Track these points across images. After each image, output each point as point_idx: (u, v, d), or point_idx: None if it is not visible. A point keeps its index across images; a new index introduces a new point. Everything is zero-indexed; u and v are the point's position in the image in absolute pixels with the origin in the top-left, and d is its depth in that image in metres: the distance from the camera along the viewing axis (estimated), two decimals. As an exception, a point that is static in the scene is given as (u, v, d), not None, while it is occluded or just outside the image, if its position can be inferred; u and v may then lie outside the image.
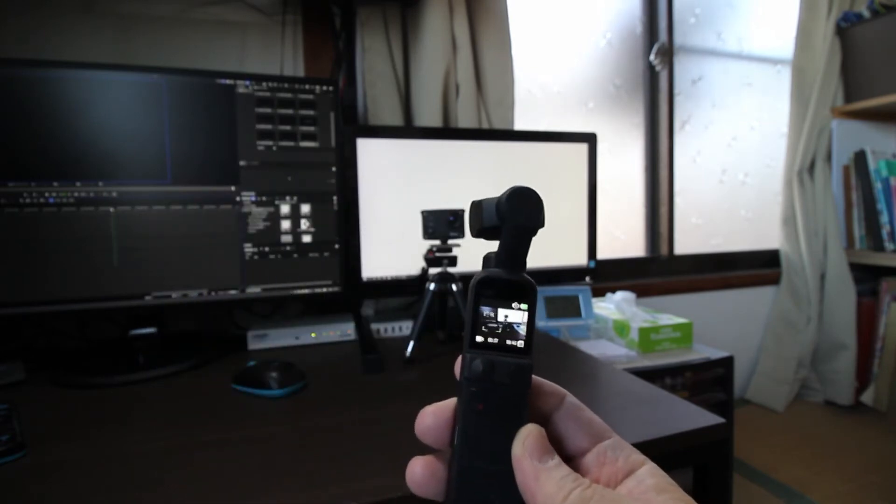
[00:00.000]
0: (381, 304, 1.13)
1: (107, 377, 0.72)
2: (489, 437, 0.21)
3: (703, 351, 1.11)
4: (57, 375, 0.73)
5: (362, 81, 1.12)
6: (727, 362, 1.10)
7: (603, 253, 1.52)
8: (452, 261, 0.84)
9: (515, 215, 0.21)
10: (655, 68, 1.61)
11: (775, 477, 1.22)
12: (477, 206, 0.23)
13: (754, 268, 1.76)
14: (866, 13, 1.58)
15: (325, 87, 0.88)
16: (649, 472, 0.21)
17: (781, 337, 1.65)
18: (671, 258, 1.64)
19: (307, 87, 0.87)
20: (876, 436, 1.42)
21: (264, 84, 0.85)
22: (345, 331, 0.93)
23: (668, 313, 1.21)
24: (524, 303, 0.22)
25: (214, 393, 0.68)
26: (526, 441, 0.20)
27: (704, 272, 1.68)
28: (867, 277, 1.68)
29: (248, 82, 0.84)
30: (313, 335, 0.91)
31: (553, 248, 1.07)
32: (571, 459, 0.22)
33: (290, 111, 0.86)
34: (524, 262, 0.22)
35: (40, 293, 0.75)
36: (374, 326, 0.95)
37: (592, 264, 1.10)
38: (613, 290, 1.31)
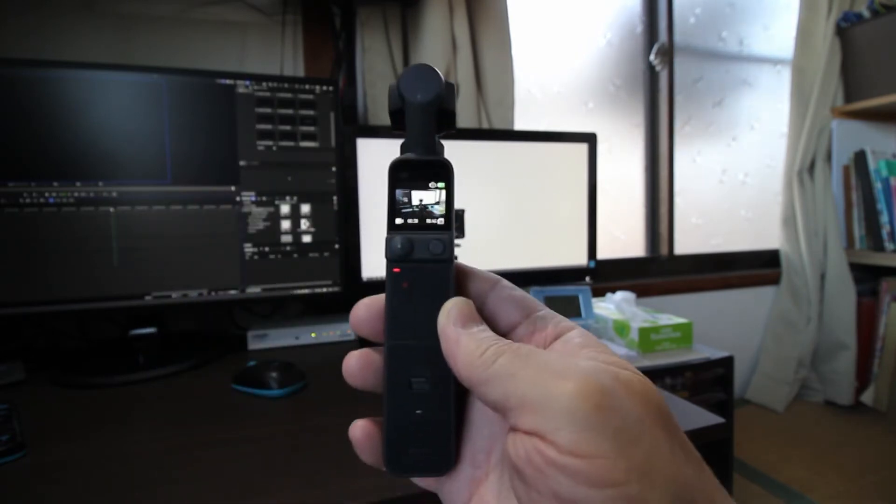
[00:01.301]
0: (381, 304, 1.13)
1: (107, 377, 0.72)
2: (416, 314, 0.21)
3: (703, 351, 1.11)
4: (57, 375, 0.73)
5: (362, 81, 1.12)
6: (727, 362, 1.10)
7: (603, 253, 1.52)
8: (452, 261, 0.84)
9: (411, 93, 0.21)
10: (655, 68, 1.61)
11: (775, 477, 1.22)
12: (389, 90, 0.23)
13: (754, 268, 1.76)
14: (866, 13, 1.58)
15: (325, 87, 0.88)
16: (577, 334, 0.21)
17: (781, 337, 1.65)
18: (671, 258, 1.64)
19: (307, 87, 0.87)
20: (876, 436, 1.42)
21: (264, 84, 0.85)
22: (345, 331, 0.93)
23: (668, 313, 1.21)
24: (440, 181, 0.22)
25: (214, 393, 0.68)
26: (451, 311, 0.20)
27: (704, 272, 1.68)
28: (867, 277, 1.68)
29: (248, 82, 0.84)
30: (313, 335, 0.91)
31: (553, 248, 1.07)
32: (504, 334, 0.22)
33: (290, 111, 0.86)
34: (432, 142, 0.22)
35: (40, 293, 0.75)
36: (374, 326, 0.95)
37: (592, 264, 1.11)
38: (613, 290, 1.31)
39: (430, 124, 0.22)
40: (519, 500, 0.18)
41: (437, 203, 0.22)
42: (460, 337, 0.20)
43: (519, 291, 0.23)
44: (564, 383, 0.16)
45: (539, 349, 0.19)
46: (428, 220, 0.22)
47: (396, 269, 0.21)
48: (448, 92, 0.22)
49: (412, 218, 0.22)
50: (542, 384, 0.17)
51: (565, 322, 0.22)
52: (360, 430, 0.22)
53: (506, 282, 0.23)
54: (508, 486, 0.20)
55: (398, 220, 0.22)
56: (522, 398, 0.17)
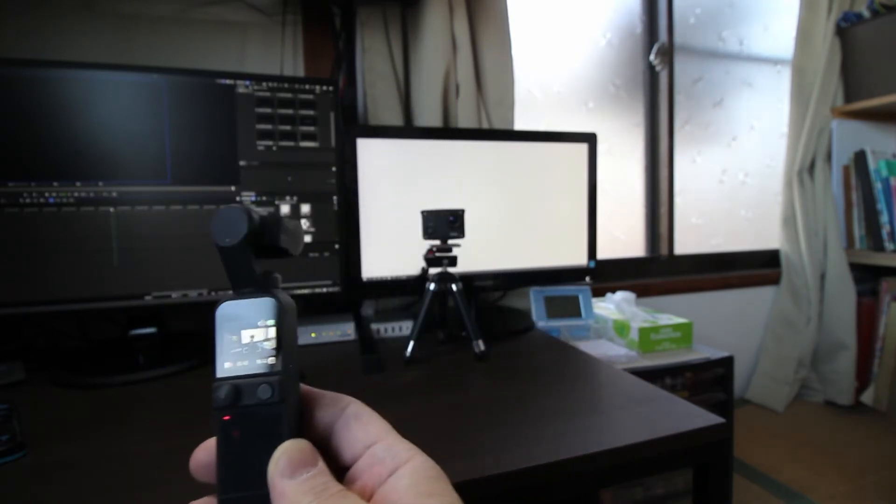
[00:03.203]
0: (381, 304, 1.13)
1: (107, 377, 0.72)
2: (250, 463, 0.20)
3: (703, 351, 1.11)
4: (57, 375, 0.73)
5: (362, 81, 1.12)
6: (727, 362, 1.10)
7: (603, 253, 1.52)
8: (452, 261, 0.84)
9: (220, 238, 0.21)
10: (655, 68, 1.61)
11: (775, 477, 1.22)
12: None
13: (754, 268, 1.76)
14: (866, 13, 1.58)
15: (325, 87, 0.88)
16: (408, 473, 0.20)
17: (781, 337, 1.65)
18: (671, 258, 1.64)
19: (307, 87, 0.87)
20: (876, 436, 1.42)
21: (264, 84, 0.85)
22: (345, 331, 0.93)
23: (668, 313, 1.21)
24: (268, 319, 0.22)
25: (214, 393, 0.68)
26: (279, 460, 0.20)
27: (704, 272, 1.68)
28: (867, 277, 1.68)
29: (248, 82, 0.84)
30: (313, 335, 0.91)
31: (553, 248, 1.07)
32: (348, 466, 0.22)
33: (290, 111, 0.86)
34: (251, 278, 0.22)
35: (40, 293, 0.75)
36: (374, 326, 0.95)
37: (592, 264, 1.10)
38: (613, 290, 1.31)
39: (242, 264, 0.22)
40: None
41: (267, 340, 0.21)
42: (285, 488, 0.19)
43: (366, 415, 0.22)
44: None
45: (355, 499, 0.19)
46: (258, 361, 0.21)
47: (226, 418, 0.21)
48: (267, 228, 0.22)
49: (241, 360, 0.21)
50: None
51: (404, 454, 0.21)
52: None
53: (357, 405, 0.23)
54: None
55: (227, 365, 0.21)
56: None
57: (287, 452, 0.20)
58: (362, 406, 0.23)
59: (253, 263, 0.22)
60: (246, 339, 0.22)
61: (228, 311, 0.22)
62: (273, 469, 0.20)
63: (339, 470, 0.22)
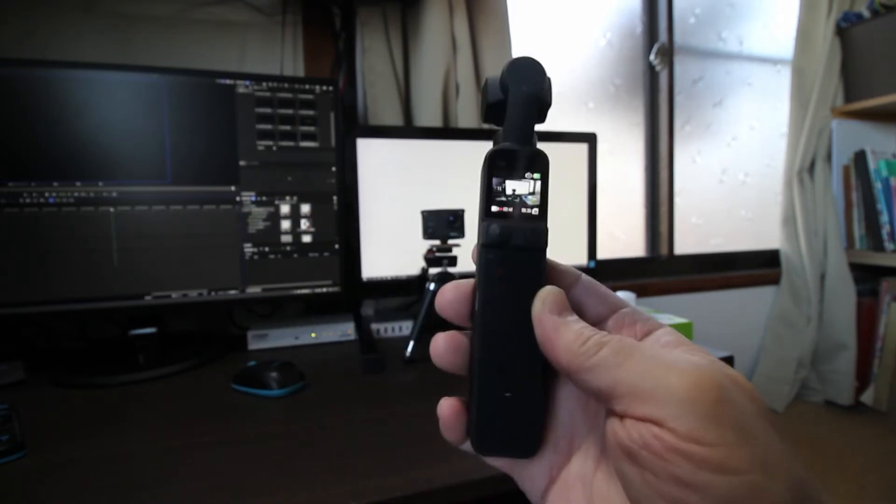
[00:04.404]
0: (381, 304, 1.13)
1: (107, 377, 0.72)
2: (509, 301, 0.22)
3: (703, 351, 1.11)
4: (57, 375, 0.73)
5: (362, 81, 1.12)
6: (727, 362, 1.10)
7: (603, 253, 1.52)
8: (452, 261, 0.84)
9: (518, 85, 0.21)
10: (655, 68, 1.61)
11: (775, 477, 1.22)
12: (484, 84, 0.23)
13: (754, 268, 1.76)
14: (866, 13, 1.58)
15: (325, 87, 0.88)
16: (666, 332, 0.21)
17: (781, 337, 1.65)
18: (671, 258, 1.64)
19: (307, 87, 0.87)
20: (876, 436, 1.42)
21: (264, 84, 0.85)
22: (345, 331, 0.93)
23: (668, 313, 1.21)
24: (536, 172, 0.22)
25: (214, 393, 0.68)
26: (546, 299, 0.21)
27: (704, 272, 1.68)
28: (867, 277, 1.68)
29: (248, 82, 0.84)
30: (313, 335, 0.91)
31: (553, 248, 1.07)
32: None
33: (290, 111, 0.86)
34: (531, 134, 0.22)
35: (40, 293, 0.75)
36: (374, 326, 0.95)
37: (592, 264, 1.10)
38: (613, 290, 1.31)
39: (532, 116, 0.22)
40: (628, 483, 0.18)
41: (532, 193, 0.22)
42: (558, 325, 0.20)
43: (602, 287, 0.24)
44: (680, 376, 0.17)
45: (640, 343, 0.20)
46: (523, 210, 0.22)
47: (491, 255, 0.22)
48: (549, 85, 0.22)
49: (507, 206, 0.22)
50: (654, 375, 0.18)
51: (653, 320, 0.22)
52: (448, 407, 0.22)
53: (588, 277, 0.24)
54: (593, 470, 0.21)
55: (494, 208, 0.22)
56: (632, 387, 0.18)
57: (552, 293, 0.21)
58: (593, 279, 0.24)
59: (535, 116, 0.22)
60: (514, 187, 0.22)
61: (503, 157, 0.22)
62: (540, 307, 0.21)
63: None
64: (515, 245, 0.22)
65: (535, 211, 0.22)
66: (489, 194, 0.22)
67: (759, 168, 1.80)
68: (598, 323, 0.23)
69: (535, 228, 0.22)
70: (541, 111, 0.23)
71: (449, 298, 0.23)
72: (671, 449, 0.16)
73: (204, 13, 1.03)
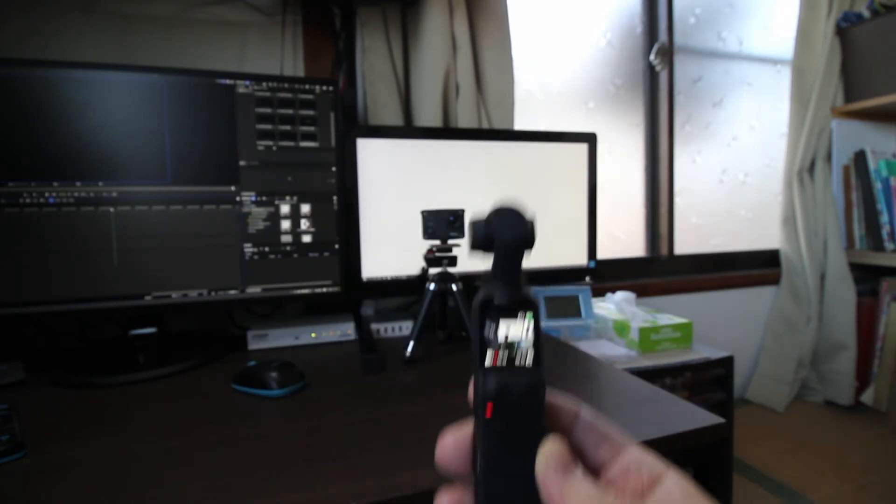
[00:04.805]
0: (381, 304, 1.13)
1: (107, 377, 0.72)
2: (511, 455, 0.21)
3: (703, 351, 1.11)
4: (57, 375, 0.73)
5: (362, 81, 1.12)
6: (727, 362, 1.10)
7: (603, 253, 1.52)
8: (452, 261, 0.84)
9: (501, 232, 0.22)
10: (655, 68, 1.61)
11: (775, 477, 1.22)
12: (471, 223, 0.23)
13: (754, 268, 1.76)
14: (866, 13, 1.58)
15: (325, 87, 0.88)
16: (674, 482, 0.21)
17: (781, 337, 1.65)
18: (671, 258, 1.64)
19: (307, 87, 0.87)
20: (876, 436, 1.42)
21: (264, 84, 0.85)
22: (345, 331, 0.93)
23: (668, 313, 1.21)
24: (527, 318, 0.22)
25: (214, 393, 0.68)
26: (548, 457, 0.20)
27: (704, 272, 1.68)
28: (867, 277, 1.68)
29: (248, 82, 0.84)
30: (313, 335, 0.91)
31: (553, 248, 1.07)
32: (594, 472, 0.22)
33: (290, 111, 0.86)
34: (518, 278, 0.22)
35: (40, 293, 0.75)
36: (374, 326, 0.95)
37: (592, 264, 1.10)
38: (613, 290, 1.31)
39: (519, 262, 0.22)
40: None
41: (525, 339, 0.22)
42: (564, 489, 0.20)
43: (603, 422, 0.23)
44: None
45: None
46: (517, 359, 0.22)
47: (489, 407, 0.21)
48: (532, 228, 0.23)
49: (501, 355, 0.22)
50: None
51: (659, 465, 0.21)
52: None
53: (587, 410, 0.23)
54: None
55: (488, 358, 0.22)
56: None
57: (555, 449, 0.21)
58: (592, 411, 0.24)
59: (521, 263, 0.22)
60: (510, 334, 0.22)
61: (490, 305, 0.22)
62: (543, 466, 0.20)
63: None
64: (515, 399, 0.21)
65: (530, 359, 0.22)
66: (482, 343, 0.22)
67: (759, 168, 1.80)
68: (599, 468, 0.22)
69: (532, 380, 0.21)
70: (526, 253, 0.23)
71: (450, 451, 0.22)
72: None
73: (204, 13, 1.03)
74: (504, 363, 0.22)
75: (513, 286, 0.22)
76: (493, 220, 0.22)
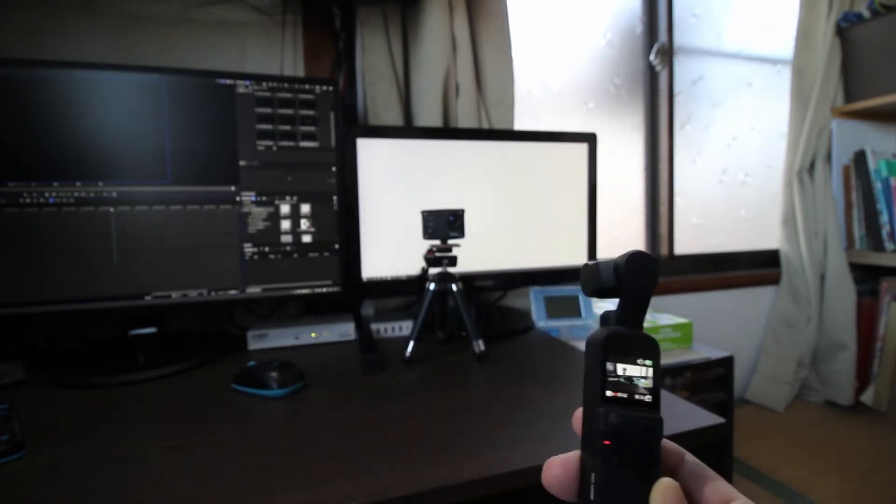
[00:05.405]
0: (381, 304, 1.13)
1: (107, 377, 0.72)
2: (625, 490, 0.22)
3: (703, 351, 1.11)
4: (57, 375, 0.73)
5: (362, 81, 1.12)
6: (727, 362, 1.10)
7: (603, 253, 1.52)
8: (452, 261, 0.84)
9: (635, 278, 0.23)
10: (655, 68, 1.61)
11: (775, 477, 1.22)
12: (593, 267, 0.24)
13: (754, 268, 1.76)
14: (866, 13, 1.58)
15: (325, 87, 0.88)
16: None
17: (781, 337, 1.65)
18: (671, 258, 1.64)
19: (307, 87, 0.87)
20: (876, 436, 1.42)
21: (264, 84, 0.85)
22: (345, 331, 0.93)
23: (668, 313, 1.21)
24: (648, 359, 0.23)
25: (214, 393, 0.68)
26: (664, 494, 0.21)
27: (704, 272, 1.68)
28: (867, 277, 1.68)
29: (248, 82, 0.84)
30: (313, 335, 0.91)
31: (553, 248, 1.07)
32: None
33: (290, 111, 0.86)
34: (642, 321, 0.24)
35: (40, 293, 0.75)
36: (374, 326, 0.95)
37: (592, 264, 1.10)
38: (613, 290, 1.31)
39: (646, 306, 0.23)
40: None
41: (645, 378, 0.23)
42: None
43: (709, 471, 0.23)
44: None
45: None
46: (636, 396, 0.23)
47: (607, 442, 0.22)
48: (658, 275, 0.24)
49: (621, 392, 0.23)
50: None
51: None
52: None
53: (692, 456, 0.24)
54: None
55: (609, 392, 0.22)
56: None
57: (671, 489, 0.21)
58: (697, 459, 0.24)
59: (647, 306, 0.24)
60: (626, 371, 0.23)
61: (616, 341, 0.23)
62: (660, 502, 0.21)
63: None
64: (635, 434, 0.22)
65: (649, 398, 0.23)
66: (602, 378, 0.22)
67: (759, 168, 1.80)
68: None
69: (652, 419, 0.22)
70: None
71: (557, 475, 0.23)
72: None
73: (204, 13, 1.03)
74: (623, 399, 0.23)
75: (639, 327, 0.23)
76: (628, 265, 0.23)
